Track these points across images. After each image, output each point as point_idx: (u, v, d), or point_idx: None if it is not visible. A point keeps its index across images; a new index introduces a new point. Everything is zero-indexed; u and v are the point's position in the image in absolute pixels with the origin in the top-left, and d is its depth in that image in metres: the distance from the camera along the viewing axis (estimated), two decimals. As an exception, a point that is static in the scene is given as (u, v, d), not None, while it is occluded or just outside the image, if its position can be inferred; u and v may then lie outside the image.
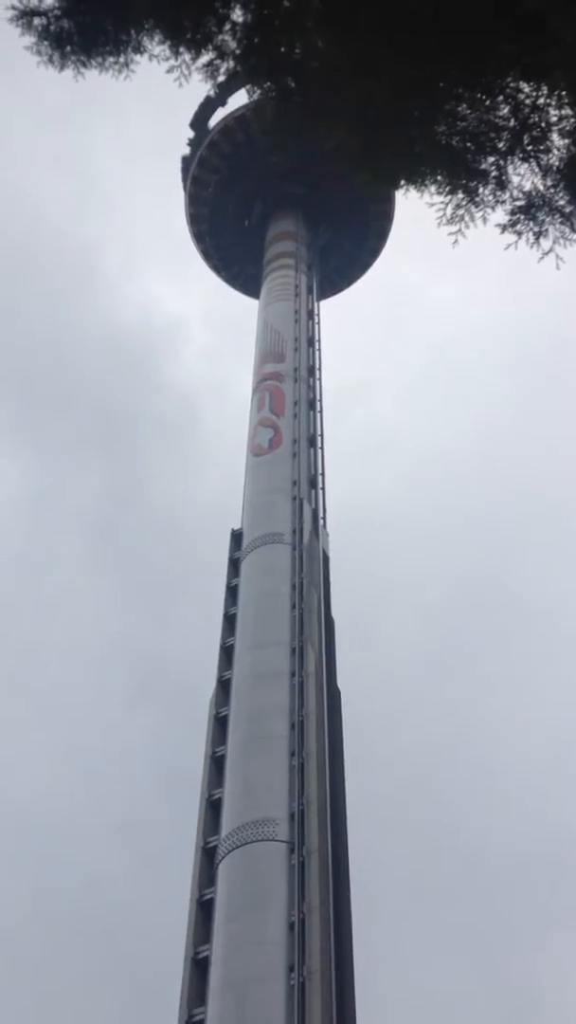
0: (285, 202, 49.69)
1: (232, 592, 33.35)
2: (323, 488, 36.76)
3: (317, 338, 43.36)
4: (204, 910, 24.48)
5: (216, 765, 28.07)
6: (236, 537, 35.05)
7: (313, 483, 36.51)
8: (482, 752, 69.27)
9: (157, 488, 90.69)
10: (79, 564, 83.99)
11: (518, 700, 72.37)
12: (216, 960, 22.95)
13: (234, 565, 34.17)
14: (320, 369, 42.09)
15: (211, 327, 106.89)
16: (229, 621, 32.42)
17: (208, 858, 25.56)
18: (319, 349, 42.82)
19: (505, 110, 9.03)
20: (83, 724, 73.28)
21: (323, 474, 37.17)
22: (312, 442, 38.19)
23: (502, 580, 78.85)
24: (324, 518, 35.43)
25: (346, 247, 52.29)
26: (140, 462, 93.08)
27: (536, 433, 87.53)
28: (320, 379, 41.48)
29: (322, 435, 38.70)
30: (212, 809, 26.85)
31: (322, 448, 38.14)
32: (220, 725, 29.26)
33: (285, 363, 40.82)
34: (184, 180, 52.50)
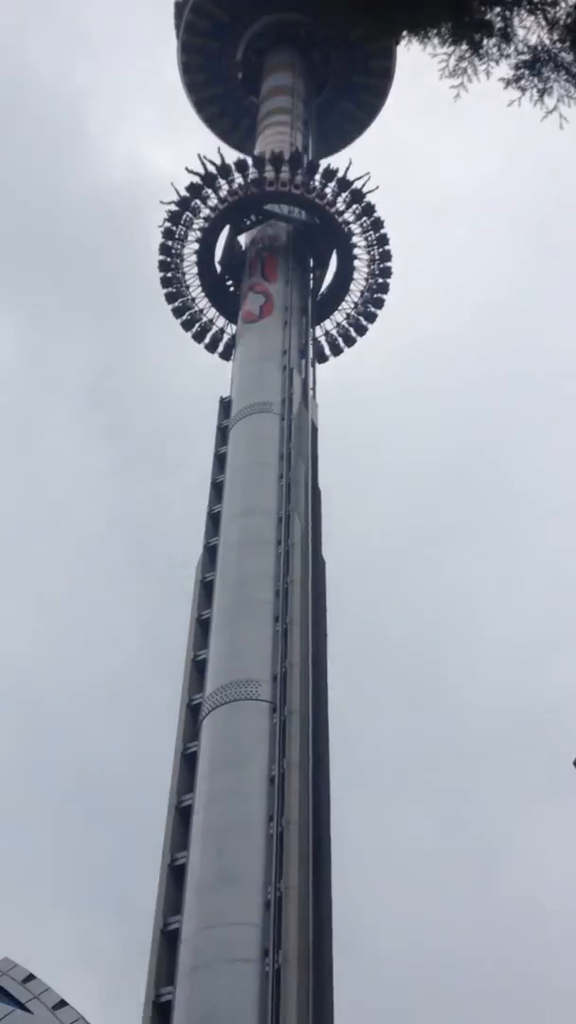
0: (283, 54, 47.39)
1: (220, 460, 33.37)
2: (313, 360, 36.33)
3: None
4: (188, 763, 25.45)
5: (202, 628, 28.71)
6: (225, 406, 34.82)
7: (303, 352, 36.08)
8: (465, 623, 70.95)
9: (148, 355, 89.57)
10: (71, 432, 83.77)
11: (504, 575, 73.70)
12: (198, 809, 24.00)
13: (222, 433, 34.07)
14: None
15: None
16: (216, 489, 32.56)
17: (193, 714, 26.42)
18: (313, 211, 41.60)
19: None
20: (75, 589, 74.47)
21: (314, 341, 36.73)
22: (304, 310, 37.59)
23: (492, 456, 79.20)
24: (314, 389, 35.17)
25: (344, 106, 50.20)
26: (131, 328, 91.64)
27: (534, 306, 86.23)
28: (313, 243, 40.49)
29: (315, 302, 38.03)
30: (197, 669, 27.59)
31: (313, 317, 37.56)
32: (206, 590, 29.78)
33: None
34: (177, 27, 49.90)
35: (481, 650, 69.63)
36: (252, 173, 38.72)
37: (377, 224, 40.01)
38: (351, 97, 50.05)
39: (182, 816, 24.37)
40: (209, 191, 39.02)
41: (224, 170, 39.13)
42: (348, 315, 41.14)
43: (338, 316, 41.03)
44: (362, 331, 41.59)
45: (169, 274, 40.66)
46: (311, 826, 23.75)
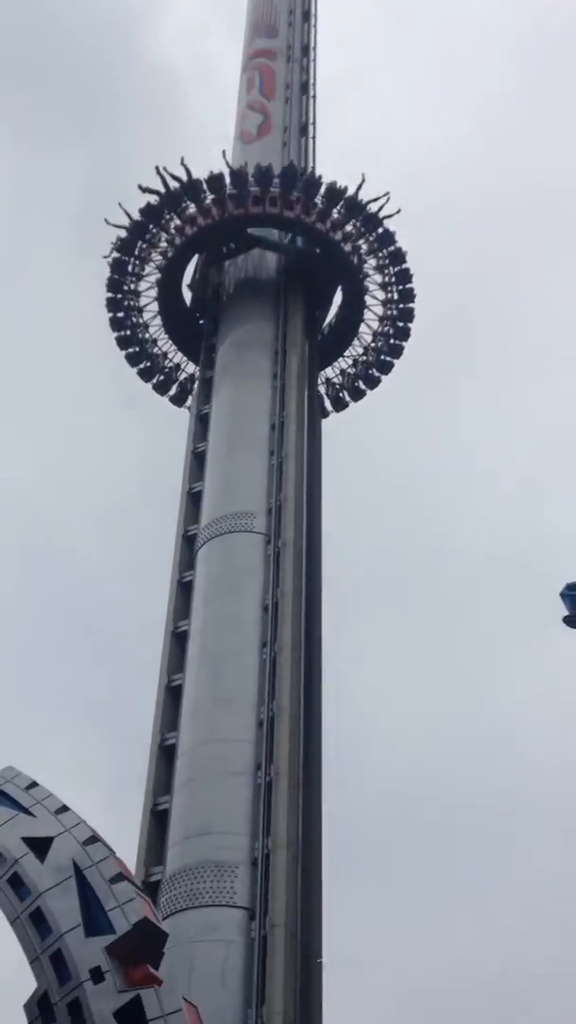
0: None
1: (216, 289, 32.56)
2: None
3: (314, 12, 39.39)
4: (184, 591, 26.05)
5: (197, 460, 28.81)
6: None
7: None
8: (460, 460, 71.05)
9: (139, 178, 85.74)
10: (62, 256, 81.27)
11: (500, 412, 73.22)
12: (194, 635, 24.74)
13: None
14: (315, 49, 38.57)
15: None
16: (213, 323, 31.92)
17: (188, 545, 26.86)
18: (315, 25, 38.99)
19: None
20: (71, 422, 74.05)
21: (314, 167, 35.22)
22: (303, 131, 35.55)
23: (497, 287, 77.31)
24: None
25: None
26: (121, 148, 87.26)
27: (538, 125, 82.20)
28: (315, 60, 38.13)
29: (314, 124, 36.15)
30: (193, 501, 27.87)
31: (314, 138, 35.50)
32: (202, 423, 29.70)
33: (278, 39, 37.40)
34: None
35: (475, 487, 70.18)
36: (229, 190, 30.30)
37: (397, 257, 31.77)
38: None
39: (178, 641, 25.15)
40: (171, 214, 30.92)
41: (191, 188, 30.56)
42: (356, 361, 33.33)
43: (343, 362, 33.45)
44: (374, 383, 33.58)
45: (121, 314, 32.39)
46: (303, 652, 24.57)
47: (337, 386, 33.57)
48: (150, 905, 16.75)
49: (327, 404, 33.28)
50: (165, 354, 33.29)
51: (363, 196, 30.97)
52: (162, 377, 33.50)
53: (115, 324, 32.65)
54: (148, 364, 33.37)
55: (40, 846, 16.93)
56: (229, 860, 20.40)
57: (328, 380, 33.36)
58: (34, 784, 18.12)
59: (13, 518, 69.79)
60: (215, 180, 30.41)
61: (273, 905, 19.61)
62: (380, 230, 31.29)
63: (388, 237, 31.45)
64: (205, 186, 30.52)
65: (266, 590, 24.82)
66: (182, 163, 30.65)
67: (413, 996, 45.77)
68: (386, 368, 33.51)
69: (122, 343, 32.92)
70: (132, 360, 33.21)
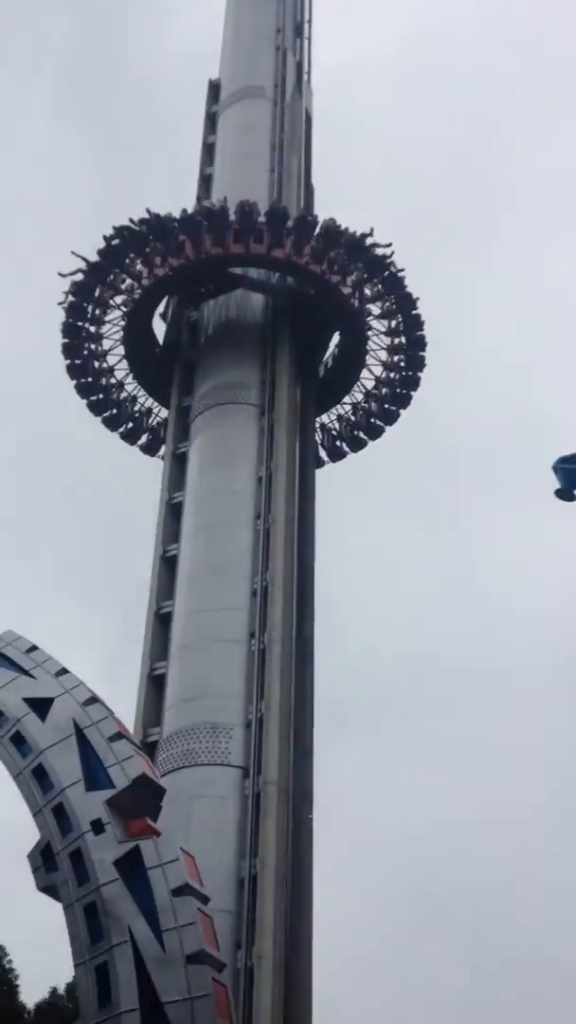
0: None
1: (208, 150, 31.43)
2: (309, 38, 33.13)
3: None
4: (179, 462, 26.07)
5: (192, 334, 28.33)
6: (214, 88, 32.31)
7: (299, 31, 32.98)
8: (455, 329, 70.04)
9: (130, 29, 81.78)
10: (49, 112, 78.14)
11: (498, 282, 71.70)
12: (189, 506, 24.88)
13: (211, 120, 31.92)
14: None
15: None
16: (205, 181, 30.86)
17: (183, 416, 26.70)
18: None
19: None
20: (59, 291, 72.44)
21: (310, 21, 33.46)
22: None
23: (499, 149, 74.83)
24: (309, 73, 32.56)
25: None
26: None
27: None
28: None
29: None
30: (186, 371, 27.57)
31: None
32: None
33: None
34: None
35: (470, 361, 69.42)
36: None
37: (406, 302, 27.89)
38: None
39: (174, 511, 25.31)
40: (133, 255, 26.91)
41: (160, 228, 26.45)
42: (356, 406, 29.61)
43: (341, 408, 29.72)
44: (376, 433, 29.78)
45: (79, 361, 28.42)
46: (296, 523, 24.81)
47: (334, 434, 30.09)
48: (148, 762, 17.42)
49: (322, 454, 29.74)
50: (134, 398, 29.48)
51: (361, 234, 27.19)
52: (131, 424, 29.68)
53: (73, 371, 28.73)
54: (115, 411, 29.45)
55: (41, 706, 17.49)
56: (224, 722, 21.05)
57: (323, 425, 29.88)
58: (34, 647, 18.56)
59: (5, 390, 69.25)
60: (189, 220, 26.39)
61: (266, 764, 20.34)
62: (386, 273, 27.53)
63: (395, 281, 27.70)
64: (178, 227, 26.45)
65: (260, 462, 24.85)
66: (148, 213, 26.62)
67: (398, 853, 48.17)
68: (391, 418, 29.80)
69: (82, 391, 28.98)
70: (95, 408, 29.35)
